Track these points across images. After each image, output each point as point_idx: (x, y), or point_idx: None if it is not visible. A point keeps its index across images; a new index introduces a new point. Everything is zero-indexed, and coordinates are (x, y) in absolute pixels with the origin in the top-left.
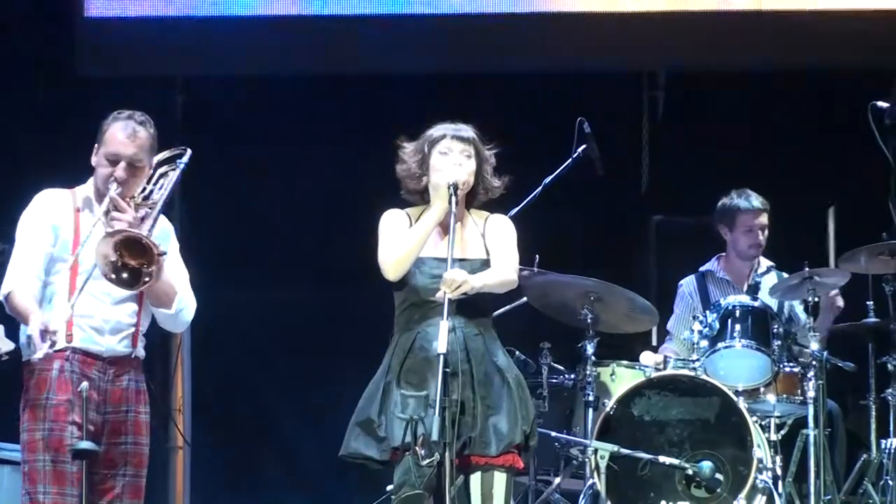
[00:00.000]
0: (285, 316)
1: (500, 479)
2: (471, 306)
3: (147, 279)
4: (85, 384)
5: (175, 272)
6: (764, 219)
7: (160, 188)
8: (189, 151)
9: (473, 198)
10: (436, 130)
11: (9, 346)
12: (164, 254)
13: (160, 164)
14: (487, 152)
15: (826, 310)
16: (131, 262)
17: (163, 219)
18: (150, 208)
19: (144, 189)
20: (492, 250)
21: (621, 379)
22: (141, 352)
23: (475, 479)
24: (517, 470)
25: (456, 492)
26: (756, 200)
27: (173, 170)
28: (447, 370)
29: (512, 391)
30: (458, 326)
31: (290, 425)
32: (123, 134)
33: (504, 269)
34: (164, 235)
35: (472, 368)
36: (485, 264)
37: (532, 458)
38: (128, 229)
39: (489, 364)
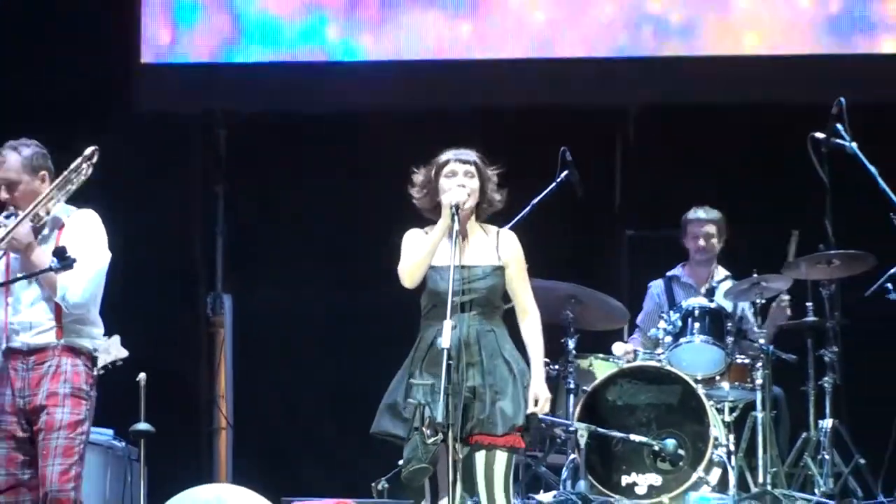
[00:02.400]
0: (318, 315)
1: (501, 458)
2: (485, 306)
3: None
4: (142, 375)
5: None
6: (709, 228)
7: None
8: (90, 149)
9: (481, 210)
10: (442, 156)
11: (123, 353)
12: None
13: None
14: (490, 172)
15: (775, 315)
16: None
17: (76, 213)
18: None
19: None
20: (514, 293)
21: (598, 369)
22: (75, 341)
23: (480, 456)
24: (518, 449)
25: (462, 466)
26: (702, 213)
27: (74, 173)
28: (450, 362)
29: (516, 380)
30: (473, 324)
31: (320, 411)
32: None
33: (537, 328)
34: (75, 226)
35: (483, 360)
36: (496, 270)
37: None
38: None
39: (498, 356)
